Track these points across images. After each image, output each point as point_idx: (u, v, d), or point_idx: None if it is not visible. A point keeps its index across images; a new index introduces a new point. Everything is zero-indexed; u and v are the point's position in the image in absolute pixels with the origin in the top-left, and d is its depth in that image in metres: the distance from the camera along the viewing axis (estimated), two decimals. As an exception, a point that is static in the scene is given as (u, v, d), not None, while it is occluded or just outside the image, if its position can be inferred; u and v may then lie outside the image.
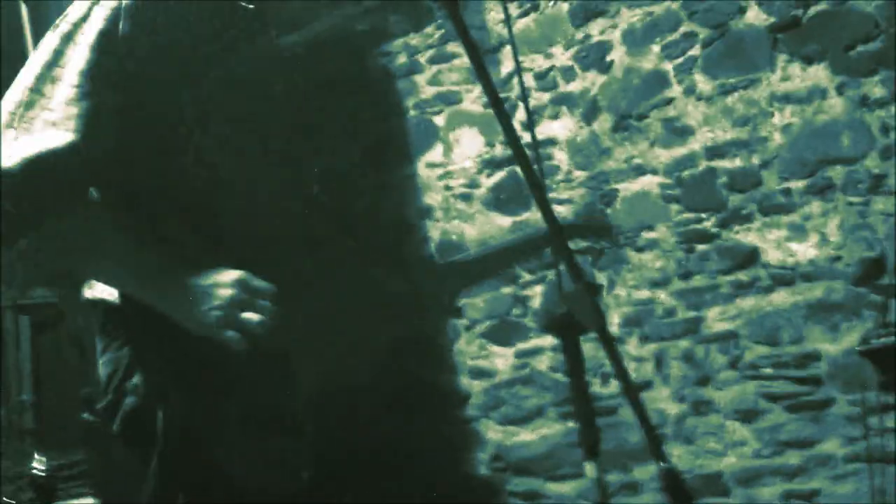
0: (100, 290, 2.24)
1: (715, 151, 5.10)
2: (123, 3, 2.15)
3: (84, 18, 2.15)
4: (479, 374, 5.90)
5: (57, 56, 2.13)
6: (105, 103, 2.09)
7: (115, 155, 2.12)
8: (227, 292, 2.06)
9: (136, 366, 2.17)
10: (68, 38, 2.14)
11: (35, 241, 2.04)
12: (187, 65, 2.19)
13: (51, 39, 2.16)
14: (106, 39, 2.12)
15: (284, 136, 2.40)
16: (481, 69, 2.31)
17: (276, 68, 2.46)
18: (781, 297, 4.94)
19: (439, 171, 6.01)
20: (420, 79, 6.07)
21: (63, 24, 2.17)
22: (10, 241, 2.02)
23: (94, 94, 2.08)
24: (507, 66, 5.69)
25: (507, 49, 5.69)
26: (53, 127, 2.04)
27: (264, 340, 2.06)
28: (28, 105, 2.09)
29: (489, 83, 2.26)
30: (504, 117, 2.27)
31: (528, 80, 5.67)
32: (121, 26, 2.12)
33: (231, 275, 2.08)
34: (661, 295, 5.29)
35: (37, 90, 2.10)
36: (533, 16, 5.69)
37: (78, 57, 2.11)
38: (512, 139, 2.22)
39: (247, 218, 2.24)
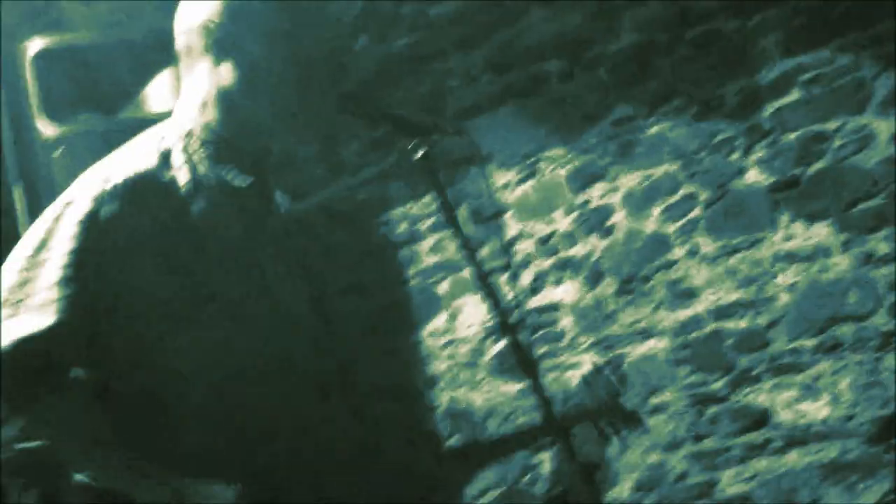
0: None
1: (721, 313, 5.11)
2: (111, 186, 2.19)
3: (71, 203, 2.20)
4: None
5: (47, 237, 2.17)
6: (88, 287, 2.12)
7: (98, 339, 2.14)
8: None
9: None
10: (58, 219, 2.19)
11: (23, 427, 2.04)
12: (176, 251, 2.21)
13: (43, 221, 2.20)
14: (94, 223, 2.15)
15: (288, 312, 2.40)
16: (468, 248, 2.39)
17: (278, 240, 2.48)
18: (795, 458, 4.90)
19: (443, 339, 6.02)
20: (421, 247, 6.12)
21: (56, 206, 2.21)
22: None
23: (77, 278, 2.11)
24: (510, 231, 5.74)
25: (509, 215, 5.76)
26: (39, 309, 2.07)
27: None
28: (20, 285, 2.12)
29: (476, 262, 2.33)
30: (492, 295, 2.32)
31: (530, 246, 5.72)
32: (107, 210, 2.17)
33: (228, 490, 2.07)
34: (674, 459, 5.24)
35: (27, 270, 2.14)
36: (531, 182, 5.76)
37: (66, 239, 2.14)
38: (504, 312, 2.26)
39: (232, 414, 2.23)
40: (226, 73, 2.38)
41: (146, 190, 2.21)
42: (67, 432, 2.10)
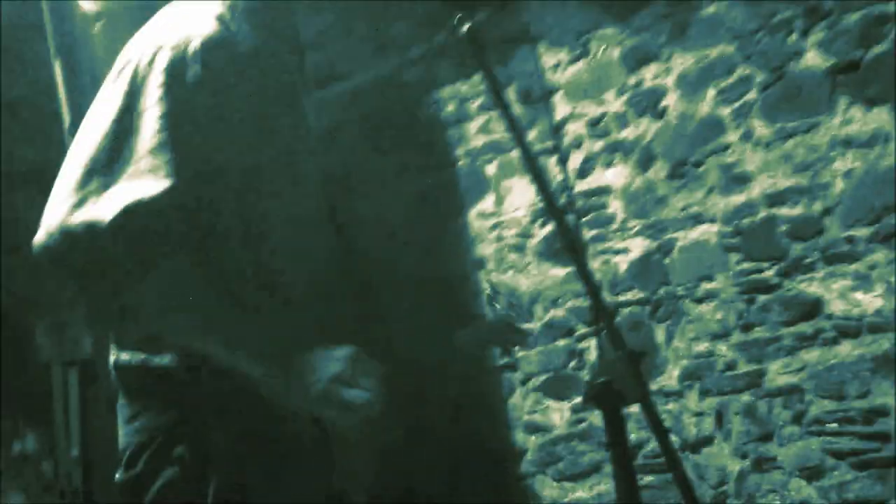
0: (129, 355, 2.18)
1: (775, 199, 5.06)
2: (190, 46, 2.14)
3: (150, 62, 2.14)
4: (535, 429, 5.87)
5: (129, 106, 2.11)
6: (191, 146, 2.08)
7: (207, 201, 2.13)
8: (333, 367, 2.02)
9: (184, 435, 2.10)
10: (137, 84, 2.13)
11: (138, 297, 2.02)
12: (257, 111, 2.19)
13: (116, 88, 2.15)
14: (178, 82, 2.10)
15: (332, 186, 2.39)
16: (515, 130, 2.33)
17: (323, 117, 2.47)
18: (847, 350, 4.87)
19: (491, 221, 6.03)
20: (470, 127, 6.11)
21: (126, 70, 2.16)
22: (114, 297, 2.01)
23: (179, 139, 2.06)
24: (559, 113, 5.70)
25: (559, 95, 5.71)
26: (141, 176, 2.02)
27: (365, 422, 2.04)
28: (107, 162, 2.06)
29: (523, 145, 2.27)
30: (539, 177, 2.27)
31: (581, 127, 5.69)
32: (190, 70, 2.11)
33: (341, 350, 2.04)
34: (722, 348, 5.24)
35: (113, 143, 2.08)
36: (584, 62, 5.71)
37: (152, 102, 2.09)
38: (547, 197, 2.21)
39: (303, 274, 2.24)
40: None
41: (217, 52, 2.16)
42: (181, 301, 2.06)
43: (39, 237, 2.01)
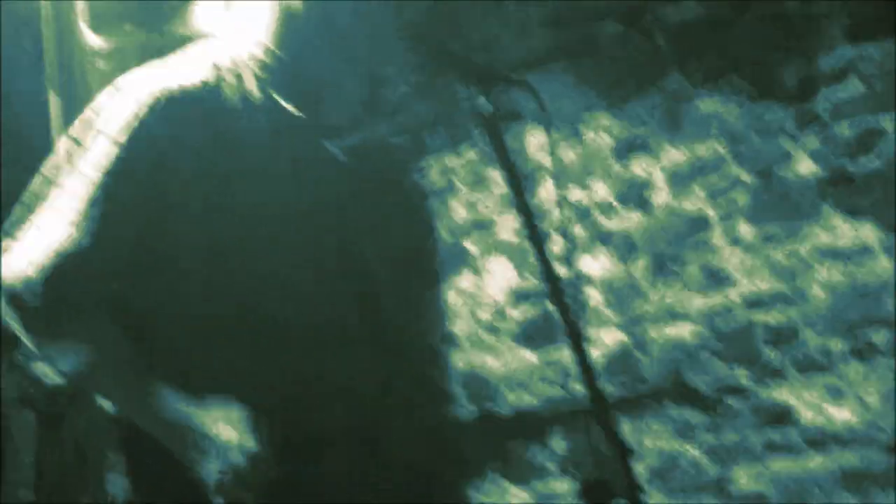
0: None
1: (754, 302, 5.14)
2: (156, 98, 2.17)
3: (111, 109, 2.17)
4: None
5: (78, 145, 2.15)
6: (125, 205, 2.10)
7: (131, 262, 2.13)
8: (231, 450, 2.05)
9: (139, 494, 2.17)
10: (91, 128, 2.17)
11: (52, 351, 2.08)
12: (221, 173, 2.20)
13: (75, 128, 2.18)
14: (133, 135, 2.13)
15: (320, 249, 2.41)
16: (519, 195, 2.34)
17: (316, 174, 2.48)
18: (815, 462, 4.94)
19: (468, 298, 6.04)
20: (454, 201, 6.14)
21: (89, 113, 2.19)
22: (30, 348, 2.07)
23: (113, 195, 2.09)
24: (545, 196, 5.76)
25: (545, 177, 5.77)
26: (70, 225, 2.05)
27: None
28: (42, 196, 2.12)
29: (526, 210, 2.30)
30: (539, 248, 2.29)
31: (566, 212, 5.71)
32: (148, 122, 2.14)
33: (237, 426, 2.07)
34: (690, 448, 5.29)
35: (52, 182, 2.13)
36: (574, 147, 5.77)
37: (100, 150, 2.11)
38: (546, 272, 2.24)
39: (269, 340, 2.24)
40: None
41: (194, 105, 2.20)
42: (102, 357, 2.09)
43: None
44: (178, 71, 2.26)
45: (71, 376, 2.11)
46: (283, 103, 2.37)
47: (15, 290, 2.03)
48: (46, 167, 2.17)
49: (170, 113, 2.15)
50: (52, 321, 2.05)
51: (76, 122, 2.21)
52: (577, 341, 2.24)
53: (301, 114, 2.39)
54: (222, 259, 2.18)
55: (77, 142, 2.15)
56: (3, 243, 2.10)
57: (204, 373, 2.16)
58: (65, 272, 2.03)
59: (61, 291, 2.04)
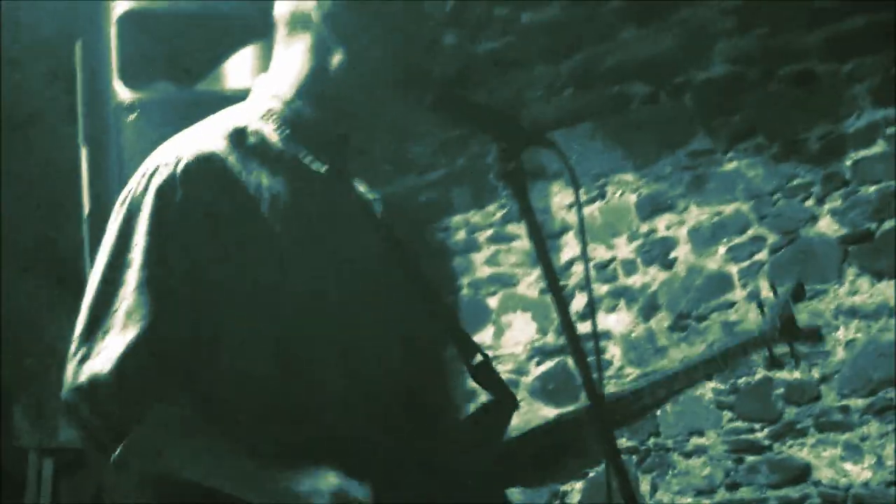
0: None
1: (774, 361, 5.18)
2: (179, 170, 2.21)
3: (144, 192, 2.21)
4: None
5: (123, 237, 2.20)
6: (173, 283, 2.15)
7: (192, 339, 2.17)
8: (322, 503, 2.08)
9: None
10: (132, 215, 2.21)
11: (129, 445, 2.09)
12: (253, 234, 2.24)
13: (115, 219, 2.23)
14: (165, 213, 2.18)
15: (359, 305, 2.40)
16: (543, 252, 2.35)
17: (361, 225, 2.51)
18: (832, 518, 4.99)
19: (488, 353, 6.02)
20: (477, 257, 6.21)
21: (125, 201, 2.23)
22: (109, 449, 2.09)
23: (160, 276, 2.14)
24: (567, 254, 5.82)
25: (569, 236, 5.85)
26: (129, 318, 2.11)
27: None
28: (106, 298, 2.16)
29: (550, 267, 2.32)
30: (562, 304, 2.31)
31: (589, 269, 5.74)
32: (177, 197, 2.18)
33: (328, 481, 2.11)
34: (707, 504, 5.34)
35: (111, 280, 2.17)
36: (598, 204, 5.86)
37: (141, 236, 2.17)
38: (568, 328, 2.25)
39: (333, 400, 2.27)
40: (326, 55, 2.40)
41: (216, 171, 2.23)
42: (177, 438, 2.14)
43: (63, 394, 2.14)
44: (201, 139, 2.31)
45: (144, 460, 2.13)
46: (308, 159, 2.40)
47: (86, 389, 2.09)
48: (98, 264, 2.22)
49: (191, 185, 2.20)
50: (126, 408, 2.10)
51: (116, 208, 2.26)
52: (595, 397, 2.25)
53: (324, 169, 2.41)
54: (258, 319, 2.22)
55: (118, 233, 2.21)
56: (73, 350, 2.15)
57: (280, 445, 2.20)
58: (131, 363, 2.09)
59: (131, 380, 2.09)
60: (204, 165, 2.23)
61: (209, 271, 2.18)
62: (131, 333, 2.10)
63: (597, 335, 2.61)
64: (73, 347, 2.15)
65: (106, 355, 2.10)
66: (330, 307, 2.29)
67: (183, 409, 2.14)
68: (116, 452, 2.07)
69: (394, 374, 2.45)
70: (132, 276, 2.15)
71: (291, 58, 2.46)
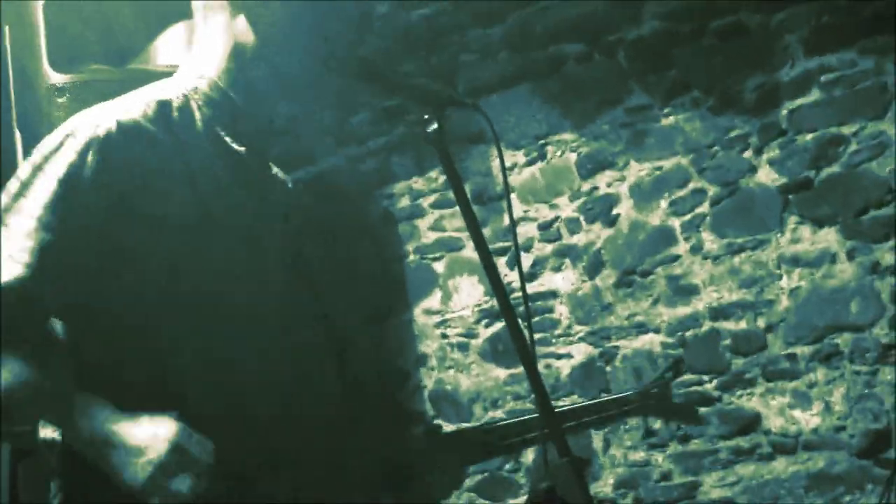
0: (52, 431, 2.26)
1: (720, 312, 5.23)
2: (95, 135, 2.21)
3: (57, 148, 2.21)
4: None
5: (24, 187, 2.19)
6: (64, 238, 2.14)
7: (73, 291, 2.18)
8: (158, 452, 2.10)
9: None
10: (38, 168, 2.20)
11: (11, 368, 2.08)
12: (164, 207, 2.25)
13: (23, 169, 2.23)
14: (74, 172, 2.18)
15: (281, 279, 2.45)
16: (472, 222, 2.38)
17: (274, 208, 2.53)
18: (782, 466, 5.04)
19: (436, 318, 6.10)
20: (421, 223, 6.20)
21: (35, 154, 2.24)
22: None
23: (53, 228, 2.13)
24: (508, 215, 5.79)
25: (513, 197, 5.86)
26: (9, 259, 2.10)
27: None
28: None
29: (478, 230, 2.35)
30: (493, 272, 2.33)
31: (532, 230, 5.81)
32: (90, 160, 2.18)
33: (166, 429, 2.12)
34: (659, 458, 5.38)
35: (1, 221, 2.16)
36: (539, 165, 5.86)
37: (43, 188, 2.16)
38: (500, 295, 2.28)
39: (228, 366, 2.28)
40: (244, 29, 2.41)
41: (137, 140, 2.24)
42: (48, 380, 2.14)
43: None
44: (124, 109, 2.30)
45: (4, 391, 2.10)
46: (228, 140, 2.41)
47: None
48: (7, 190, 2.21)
49: (108, 149, 2.20)
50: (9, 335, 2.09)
51: (23, 164, 2.26)
52: (528, 358, 2.28)
53: (243, 150, 2.43)
54: (165, 275, 2.23)
55: (22, 183, 2.20)
56: None
57: (139, 388, 2.21)
58: (6, 301, 2.08)
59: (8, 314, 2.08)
60: (124, 135, 2.24)
61: (110, 239, 2.19)
62: (10, 273, 2.09)
63: (527, 298, 2.63)
64: None
65: None
66: (228, 288, 2.30)
67: (42, 353, 2.14)
68: None
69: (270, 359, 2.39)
70: (24, 221, 2.15)
71: (211, 36, 2.47)
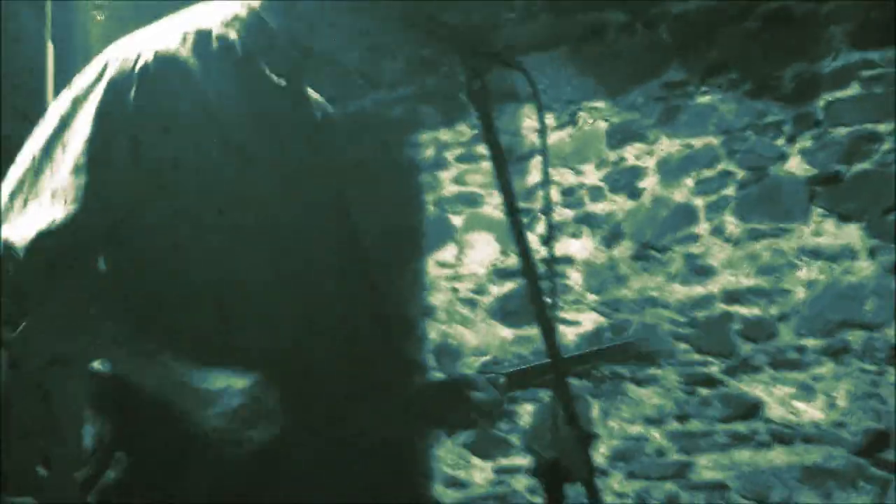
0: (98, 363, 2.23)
1: (734, 296, 5.22)
2: (138, 67, 2.17)
3: (97, 80, 2.18)
4: (454, 484, 5.95)
5: (66, 121, 2.17)
6: (110, 173, 2.12)
7: (123, 227, 2.16)
8: (233, 402, 2.10)
9: (122, 441, 2.18)
10: (78, 102, 2.18)
11: (36, 320, 2.10)
12: (208, 139, 2.21)
13: (62, 102, 2.20)
14: (115, 106, 2.14)
15: (307, 218, 2.39)
16: (503, 174, 2.34)
17: (307, 144, 2.47)
18: (778, 456, 5.03)
19: (448, 271, 6.11)
20: (444, 175, 6.20)
21: (75, 87, 2.21)
22: (14, 320, 2.10)
23: (99, 164, 2.11)
24: (535, 177, 5.80)
25: (538, 159, 5.84)
26: (57, 197, 2.10)
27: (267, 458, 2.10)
28: (37, 172, 2.15)
29: (509, 189, 2.31)
30: (518, 227, 2.30)
31: (554, 194, 5.80)
32: (132, 93, 2.15)
33: (241, 381, 2.11)
34: (655, 434, 5.40)
35: (46, 156, 2.15)
36: (569, 130, 5.84)
37: (85, 123, 2.14)
38: (523, 251, 2.25)
39: (259, 306, 2.23)
40: None
41: (175, 73, 2.19)
42: (86, 322, 2.17)
43: None
44: (162, 38, 2.25)
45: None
46: (267, 71, 2.37)
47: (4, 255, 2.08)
48: (35, 139, 2.21)
49: (147, 82, 2.16)
50: (33, 286, 2.11)
51: (62, 96, 2.23)
52: (546, 320, 2.25)
53: (283, 82, 2.39)
54: (206, 227, 2.20)
55: (62, 117, 2.18)
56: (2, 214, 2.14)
57: (202, 346, 2.18)
58: (48, 242, 2.08)
59: (44, 259, 2.09)
60: (163, 65, 2.19)
61: (156, 172, 2.15)
62: (57, 213, 2.10)
63: (554, 260, 2.61)
64: None
65: (24, 228, 2.10)
66: (271, 220, 2.26)
67: (92, 295, 2.15)
68: (15, 332, 2.09)
69: (323, 293, 2.36)
70: (69, 158, 2.13)
71: None
